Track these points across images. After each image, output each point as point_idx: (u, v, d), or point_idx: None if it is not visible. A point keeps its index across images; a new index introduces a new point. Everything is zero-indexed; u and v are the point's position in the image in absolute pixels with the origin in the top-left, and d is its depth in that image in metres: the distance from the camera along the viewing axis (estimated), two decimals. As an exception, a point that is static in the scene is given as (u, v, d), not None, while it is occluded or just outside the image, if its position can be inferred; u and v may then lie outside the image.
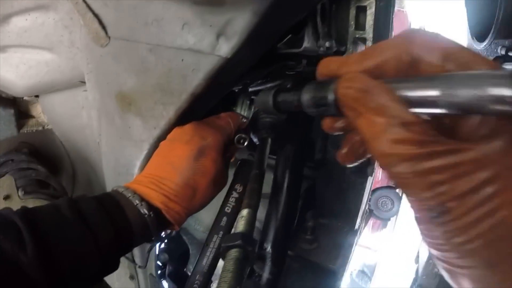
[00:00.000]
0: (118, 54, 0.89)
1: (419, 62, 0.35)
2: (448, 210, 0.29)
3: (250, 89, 1.26)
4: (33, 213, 0.60)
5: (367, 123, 0.33)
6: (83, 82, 1.07)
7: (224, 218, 0.84)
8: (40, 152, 1.37)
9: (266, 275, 0.72)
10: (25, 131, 1.27)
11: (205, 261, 0.79)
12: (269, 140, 0.90)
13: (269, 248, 0.72)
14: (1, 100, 1.17)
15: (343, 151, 0.43)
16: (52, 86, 1.11)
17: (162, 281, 1.31)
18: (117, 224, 0.65)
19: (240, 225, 0.59)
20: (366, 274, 6.39)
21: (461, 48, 0.34)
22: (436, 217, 0.30)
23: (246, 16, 0.66)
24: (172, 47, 0.78)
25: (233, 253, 0.53)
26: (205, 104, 0.91)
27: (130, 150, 0.99)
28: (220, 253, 0.56)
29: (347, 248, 0.94)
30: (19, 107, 1.23)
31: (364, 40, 0.80)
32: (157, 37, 0.79)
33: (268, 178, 0.87)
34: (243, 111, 1.18)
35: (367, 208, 2.92)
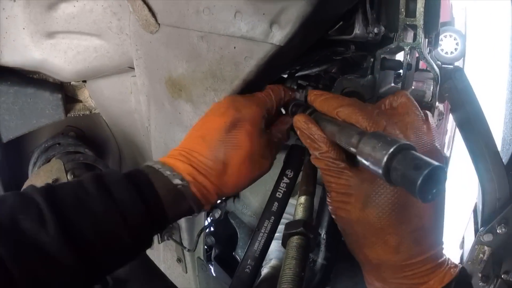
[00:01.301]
0: (168, 41, 0.94)
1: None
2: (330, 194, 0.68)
3: (296, 74, 1.29)
4: (56, 189, 0.59)
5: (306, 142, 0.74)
6: (132, 68, 1.13)
7: (275, 204, 0.89)
8: (86, 136, 1.46)
9: (320, 260, 0.77)
10: (72, 116, 1.35)
11: (257, 246, 0.85)
12: None
13: (323, 234, 0.77)
14: (49, 85, 1.24)
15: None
16: (100, 72, 1.18)
17: (208, 264, 1.39)
18: (145, 197, 0.63)
19: (299, 212, 0.63)
20: None
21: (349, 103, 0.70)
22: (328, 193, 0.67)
23: (300, 4, 0.69)
24: (224, 34, 0.82)
25: (295, 240, 0.58)
26: (255, 90, 0.96)
27: (180, 136, 1.06)
28: (282, 240, 0.60)
29: None
30: (66, 92, 1.30)
31: (414, 27, 0.82)
32: (209, 24, 0.83)
33: None
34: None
35: None
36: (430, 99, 0.87)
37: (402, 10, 0.83)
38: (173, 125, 1.07)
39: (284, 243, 0.60)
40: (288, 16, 0.71)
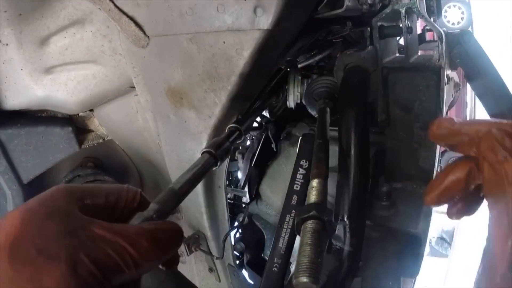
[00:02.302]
0: (160, 52, 0.90)
1: None
2: None
3: (300, 65, 1.23)
4: None
5: None
6: (133, 87, 1.09)
7: (295, 197, 0.83)
8: (105, 164, 1.43)
9: (346, 247, 0.70)
10: (87, 146, 1.32)
11: (281, 243, 0.79)
12: (328, 109, 0.88)
13: (345, 219, 0.70)
14: (58, 120, 1.21)
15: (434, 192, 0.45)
16: (104, 97, 1.15)
17: (242, 271, 1.33)
18: None
19: (312, 196, 0.56)
20: (445, 240, 6.16)
21: None
22: None
23: None
24: (211, 31, 0.77)
25: (309, 225, 0.51)
26: (255, 84, 0.90)
27: (190, 144, 1.01)
28: (295, 228, 0.54)
29: (427, 211, 0.89)
30: (76, 124, 1.27)
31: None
32: (195, 24, 0.78)
33: (333, 151, 0.83)
34: (296, 87, 1.16)
35: (438, 170, 2.78)
36: (437, 60, 0.79)
37: (391, -29, 0.76)
38: (181, 136, 1.02)
39: (299, 231, 0.53)
40: None
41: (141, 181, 1.44)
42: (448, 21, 6.09)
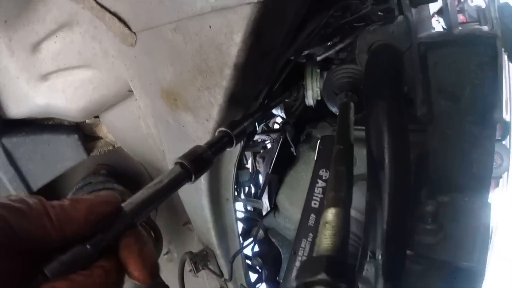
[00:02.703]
0: (148, 48, 0.78)
1: None
2: None
3: (318, 58, 1.05)
4: None
5: None
6: (132, 91, 0.98)
7: (312, 216, 0.65)
8: (118, 170, 1.35)
9: None
10: (97, 153, 1.24)
11: (295, 274, 0.61)
12: (352, 104, 0.69)
13: (378, 255, 0.50)
14: (64, 128, 1.15)
15: None
16: (104, 103, 1.05)
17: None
18: None
19: (324, 239, 0.37)
20: None
21: None
22: None
23: None
24: (194, 15, 0.61)
25: None
26: (256, 78, 0.73)
27: (191, 152, 0.87)
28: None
29: (484, 234, 0.66)
30: (84, 131, 1.20)
31: None
32: (175, 10, 0.64)
33: (362, 154, 0.63)
34: (315, 82, 0.98)
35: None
36: (491, 28, 0.58)
37: None
38: (182, 142, 0.89)
39: None
40: None
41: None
42: None
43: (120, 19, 0.77)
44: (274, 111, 1.14)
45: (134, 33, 0.77)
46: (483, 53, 0.61)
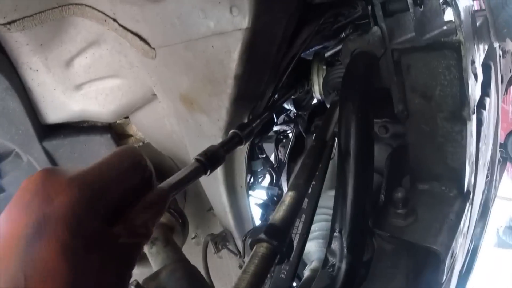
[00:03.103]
0: (166, 62, 0.92)
1: None
2: None
3: (327, 54, 1.16)
4: None
5: None
6: (155, 95, 1.13)
7: (305, 200, 0.78)
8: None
9: (342, 265, 0.63)
10: (131, 150, 1.40)
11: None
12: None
13: (342, 233, 0.63)
14: (98, 129, 1.31)
15: None
16: (132, 106, 1.21)
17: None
18: None
19: (276, 214, 0.52)
20: None
21: None
22: None
23: None
24: (199, 38, 0.76)
25: (258, 248, 0.47)
26: (258, 83, 0.87)
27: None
28: (250, 247, 0.50)
29: (453, 221, 0.77)
30: (116, 131, 1.37)
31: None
32: (185, 33, 0.78)
33: None
34: (321, 77, 1.09)
35: (499, 157, 2.44)
36: (455, 34, 0.68)
37: None
38: (200, 139, 1.04)
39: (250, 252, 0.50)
40: None
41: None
42: None
43: (141, 38, 0.92)
44: (285, 106, 1.26)
45: (154, 48, 0.92)
46: (449, 57, 0.71)
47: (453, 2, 0.69)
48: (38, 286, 0.37)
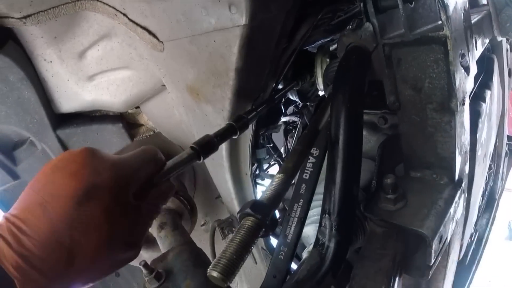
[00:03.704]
0: (173, 55, 0.99)
1: None
2: None
3: (331, 48, 1.20)
4: None
5: None
6: (165, 86, 1.20)
7: (303, 186, 0.84)
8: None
9: (331, 244, 0.70)
10: (140, 138, 1.47)
11: (288, 231, 0.82)
12: None
13: (331, 214, 0.69)
14: (110, 118, 1.40)
15: None
16: (143, 96, 1.28)
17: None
18: None
19: (265, 193, 0.59)
20: None
21: None
22: None
23: None
24: (202, 33, 0.82)
25: (245, 221, 0.55)
26: (259, 75, 0.93)
27: (213, 136, 1.09)
28: (239, 220, 0.58)
29: (442, 209, 0.82)
30: (128, 120, 1.45)
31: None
32: (189, 28, 0.85)
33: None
34: (324, 70, 1.14)
35: (507, 149, 2.45)
36: (441, 29, 0.73)
37: None
38: (207, 127, 1.11)
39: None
40: None
41: (193, 168, 1.56)
42: None
43: (150, 32, 0.99)
44: (291, 97, 1.32)
45: (162, 42, 0.99)
46: (437, 51, 0.76)
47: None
48: (81, 238, 0.51)
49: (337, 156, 0.69)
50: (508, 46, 1.97)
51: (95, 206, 0.53)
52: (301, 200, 0.85)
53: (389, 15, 0.81)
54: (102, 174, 0.55)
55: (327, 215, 0.69)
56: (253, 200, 0.60)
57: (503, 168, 2.43)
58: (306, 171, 0.87)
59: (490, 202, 2.30)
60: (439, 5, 0.74)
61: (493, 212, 2.29)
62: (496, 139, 2.08)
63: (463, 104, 0.85)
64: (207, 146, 0.72)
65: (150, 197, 0.64)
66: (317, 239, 0.72)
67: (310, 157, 0.89)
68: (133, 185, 0.60)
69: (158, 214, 0.67)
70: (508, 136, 2.84)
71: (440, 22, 0.75)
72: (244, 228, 0.55)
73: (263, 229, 0.56)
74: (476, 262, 2.17)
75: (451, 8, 0.76)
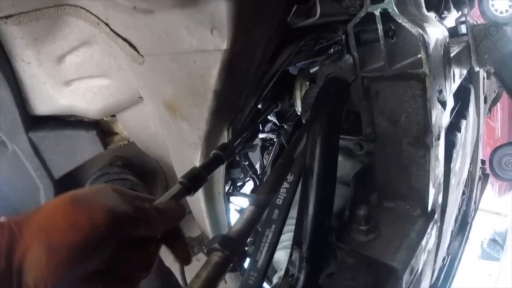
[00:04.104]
0: (153, 69, 0.98)
1: None
2: None
3: (311, 70, 1.21)
4: None
5: None
6: (142, 97, 1.19)
7: (276, 211, 0.84)
8: (134, 163, 1.55)
9: (301, 276, 0.70)
10: (113, 147, 1.45)
11: (259, 256, 0.81)
12: None
13: (302, 245, 0.69)
14: (84, 124, 1.36)
15: None
16: (119, 105, 1.26)
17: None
18: None
19: (234, 226, 0.59)
20: (497, 242, 5.71)
21: None
22: None
23: (221, 3, 0.67)
24: (183, 52, 0.82)
25: (213, 256, 0.54)
26: (237, 97, 0.92)
27: (189, 153, 1.08)
28: (206, 254, 0.57)
29: (413, 239, 0.83)
30: (102, 127, 1.42)
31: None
32: (170, 46, 0.84)
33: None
34: (303, 93, 1.15)
35: (480, 173, 2.53)
36: (421, 67, 0.74)
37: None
38: (181, 143, 1.10)
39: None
40: (219, 19, 0.70)
41: (166, 181, 1.54)
42: (496, 10, 5.48)
43: (130, 44, 0.98)
44: (269, 117, 1.32)
45: (142, 55, 0.97)
46: (415, 87, 0.77)
47: (420, 38, 0.75)
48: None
49: (311, 189, 0.69)
50: (485, 74, 2.03)
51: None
52: (273, 226, 0.85)
53: (370, 47, 0.83)
54: (52, 236, 0.50)
55: (298, 247, 0.69)
56: (221, 235, 0.59)
57: (476, 192, 2.50)
58: (279, 196, 0.87)
59: (463, 225, 2.36)
60: (420, 43, 0.75)
61: (466, 234, 2.35)
62: (470, 164, 2.14)
63: (439, 138, 0.87)
64: (196, 179, 0.71)
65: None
66: (287, 269, 0.71)
67: (284, 182, 0.89)
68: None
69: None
70: (481, 160, 2.93)
71: (420, 55, 0.76)
72: (211, 263, 0.54)
73: (231, 264, 0.56)
74: (448, 283, 2.22)
75: (431, 46, 0.78)
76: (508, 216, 5.83)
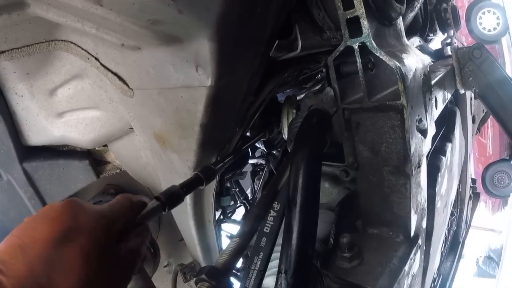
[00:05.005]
0: (143, 102, 1.01)
1: None
2: None
3: (298, 98, 1.25)
4: None
5: None
6: (132, 128, 1.21)
7: (264, 239, 0.86)
8: (126, 190, 1.57)
9: None
10: (106, 175, 1.46)
11: (248, 283, 0.82)
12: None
13: (287, 274, 0.71)
14: (77, 154, 1.38)
15: None
16: (111, 136, 1.28)
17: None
18: None
19: (220, 257, 0.61)
20: (493, 259, 5.73)
21: None
22: None
23: (204, 43, 0.69)
24: (171, 87, 0.84)
25: (200, 286, 0.56)
26: (225, 129, 0.95)
27: (179, 182, 1.09)
28: (195, 284, 0.59)
29: (395, 265, 0.85)
30: (95, 156, 1.44)
31: (357, 19, 0.74)
32: (158, 81, 0.86)
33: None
34: (291, 120, 1.18)
35: (470, 192, 2.55)
36: (399, 98, 0.77)
37: (339, 4, 0.76)
38: (172, 174, 1.11)
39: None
40: (203, 57, 0.73)
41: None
42: (484, 28, 5.67)
43: (120, 78, 1.00)
44: (257, 145, 1.35)
45: (131, 89, 1.00)
46: (394, 118, 0.80)
47: (397, 70, 0.78)
48: (59, 278, 0.53)
49: (294, 219, 0.71)
50: (472, 95, 2.08)
51: (74, 248, 0.56)
52: (261, 253, 0.86)
53: (351, 79, 0.86)
54: (82, 219, 0.59)
55: (283, 275, 0.70)
56: (209, 266, 0.61)
57: (467, 211, 2.52)
58: (267, 224, 0.89)
59: (454, 245, 2.37)
60: (398, 76, 0.78)
61: (458, 254, 2.35)
62: (459, 185, 2.17)
63: (419, 166, 0.90)
64: (172, 197, 0.72)
65: (129, 241, 0.65)
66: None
67: (271, 210, 0.90)
68: (112, 230, 0.62)
69: (141, 258, 0.67)
70: (472, 179, 2.96)
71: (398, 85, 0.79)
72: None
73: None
74: (442, 304, 2.21)
75: (409, 77, 0.81)
76: (503, 232, 5.85)
